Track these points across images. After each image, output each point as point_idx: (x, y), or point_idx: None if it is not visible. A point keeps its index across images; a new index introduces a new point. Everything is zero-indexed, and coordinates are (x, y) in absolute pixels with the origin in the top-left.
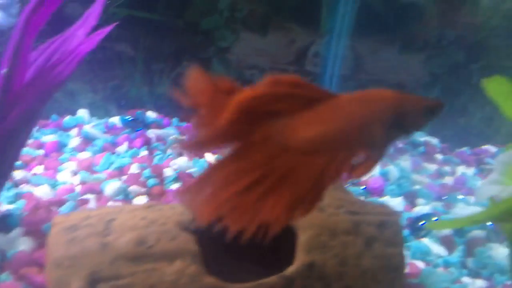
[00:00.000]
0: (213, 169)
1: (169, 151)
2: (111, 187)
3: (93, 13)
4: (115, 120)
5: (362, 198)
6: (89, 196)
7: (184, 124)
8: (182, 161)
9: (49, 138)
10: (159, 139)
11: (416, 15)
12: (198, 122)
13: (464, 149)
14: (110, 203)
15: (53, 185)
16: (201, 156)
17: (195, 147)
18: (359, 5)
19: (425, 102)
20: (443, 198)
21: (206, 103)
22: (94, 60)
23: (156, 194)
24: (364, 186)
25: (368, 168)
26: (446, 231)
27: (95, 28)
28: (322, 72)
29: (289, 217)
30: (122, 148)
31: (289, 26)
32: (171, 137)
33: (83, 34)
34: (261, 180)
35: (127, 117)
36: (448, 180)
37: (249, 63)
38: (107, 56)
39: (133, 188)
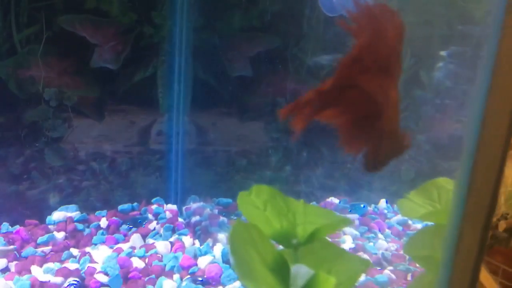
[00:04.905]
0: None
1: None
2: None
3: None
4: None
5: None
6: None
7: (16, 228)
8: None
9: None
10: None
11: (248, 86)
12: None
13: (313, 203)
14: None
15: None
16: None
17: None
18: (193, 82)
19: (402, 137)
20: None
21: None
22: None
23: None
24: (201, 279)
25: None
26: None
27: None
28: (168, 149)
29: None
30: None
31: (126, 108)
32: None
33: None
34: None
35: None
36: None
37: (89, 150)
38: None
39: None
